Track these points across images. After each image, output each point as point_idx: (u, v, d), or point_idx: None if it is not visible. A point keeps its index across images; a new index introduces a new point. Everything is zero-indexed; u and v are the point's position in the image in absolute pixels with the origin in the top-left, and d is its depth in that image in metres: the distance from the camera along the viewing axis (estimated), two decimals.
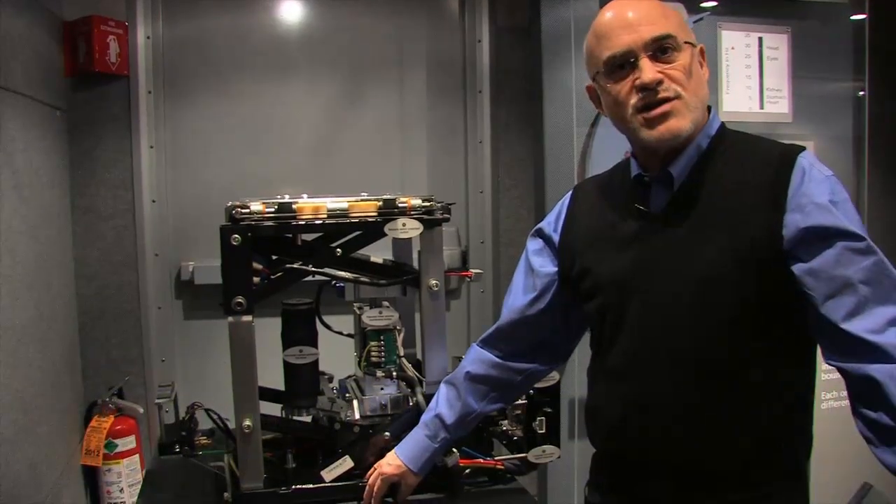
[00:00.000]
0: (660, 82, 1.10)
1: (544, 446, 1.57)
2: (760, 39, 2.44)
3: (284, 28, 2.84)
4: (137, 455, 2.47)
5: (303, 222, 1.48)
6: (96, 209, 2.61)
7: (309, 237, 1.54)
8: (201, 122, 2.76)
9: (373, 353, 1.60)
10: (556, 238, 1.34)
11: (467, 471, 1.54)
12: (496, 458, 1.58)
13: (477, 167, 2.96)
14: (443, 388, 1.45)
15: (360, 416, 1.58)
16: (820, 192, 1.06)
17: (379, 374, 1.59)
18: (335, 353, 1.73)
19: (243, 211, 1.44)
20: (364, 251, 1.56)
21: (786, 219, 1.06)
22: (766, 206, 1.08)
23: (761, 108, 2.45)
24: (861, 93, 2.56)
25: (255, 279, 1.44)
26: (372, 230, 1.51)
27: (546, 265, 1.35)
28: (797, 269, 1.05)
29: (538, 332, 1.38)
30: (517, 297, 1.38)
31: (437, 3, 2.97)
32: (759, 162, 1.12)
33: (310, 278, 1.51)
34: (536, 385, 1.53)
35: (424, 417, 1.45)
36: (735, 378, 1.11)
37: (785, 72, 2.46)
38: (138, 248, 2.64)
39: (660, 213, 1.17)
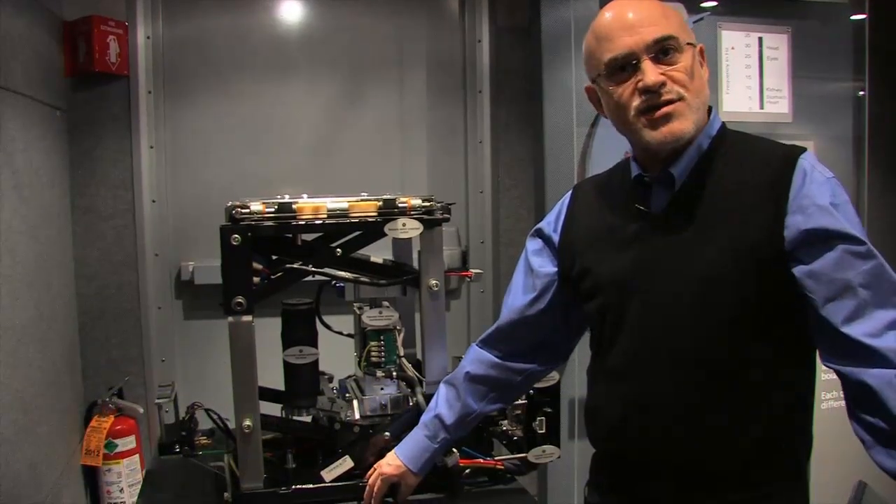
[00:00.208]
0: (662, 84, 1.10)
1: (544, 446, 1.57)
2: (760, 39, 2.44)
3: (284, 28, 2.84)
4: (137, 455, 2.46)
5: (303, 222, 1.48)
6: (96, 209, 2.61)
7: (309, 237, 1.54)
8: (201, 122, 2.76)
9: (373, 353, 1.60)
10: (555, 238, 1.33)
11: (467, 471, 1.55)
12: (496, 458, 1.58)
13: (477, 167, 2.96)
14: (442, 388, 1.45)
15: (360, 416, 1.58)
16: (821, 194, 1.06)
17: (379, 374, 1.59)
18: (335, 353, 1.73)
19: (243, 211, 1.44)
20: (364, 251, 1.56)
21: (787, 220, 1.06)
22: (767, 206, 1.08)
23: (761, 108, 2.45)
24: (861, 93, 2.56)
25: (255, 279, 1.44)
26: (372, 230, 1.51)
27: (546, 265, 1.35)
28: (798, 271, 1.06)
29: (538, 332, 1.38)
30: (517, 298, 1.38)
31: (437, 3, 2.97)
32: (760, 163, 1.12)
33: (310, 278, 1.52)
34: (536, 385, 1.53)
35: (424, 418, 1.45)
36: (735, 378, 1.11)
37: (785, 72, 2.46)
38: (138, 248, 2.64)
39: (660, 213, 1.17)
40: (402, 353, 1.60)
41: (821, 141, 2.52)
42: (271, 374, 1.57)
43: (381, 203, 1.52)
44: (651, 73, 1.10)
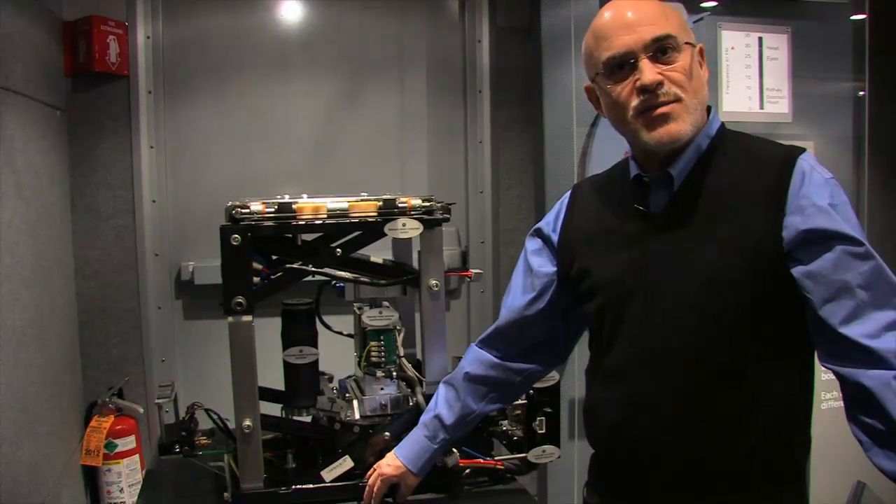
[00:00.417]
0: (660, 84, 1.10)
1: (544, 446, 1.57)
2: (760, 39, 2.44)
3: (284, 28, 2.84)
4: (137, 455, 2.47)
5: (303, 222, 1.48)
6: (96, 209, 2.61)
7: (309, 237, 1.54)
8: (201, 122, 2.76)
9: (373, 353, 1.60)
10: (555, 238, 1.33)
11: (467, 471, 1.55)
12: (496, 458, 1.58)
13: (477, 167, 2.96)
14: (442, 388, 1.45)
15: (360, 416, 1.58)
16: (820, 194, 1.06)
17: (379, 374, 1.59)
18: (335, 353, 1.73)
19: (243, 211, 1.44)
20: (364, 251, 1.56)
21: (786, 221, 1.06)
22: (766, 207, 1.08)
23: (761, 108, 2.44)
24: (861, 93, 2.56)
25: (255, 279, 1.44)
26: (372, 230, 1.51)
27: (545, 265, 1.34)
28: (796, 271, 1.06)
29: (537, 332, 1.38)
30: (516, 298, 1.38)
31: (437, 3, 2.98)
32: (759, 163, 1.12)
33: (310, 278, 1.52)
34: (536, 385, 1.53)
35: (424, 418, 1.45)
36: (735, 379, 1.11)
37: (785, 72, 2.46)
38: (138, 248, 2.65)
39: (659, 213, 1.17)
40: (402, 353, 1.60)
41: (821, 141, 2.52)
42: (271, 374, 1.57)
43: (381, 203, 1.52)
44: (648, 72, 1.10)
